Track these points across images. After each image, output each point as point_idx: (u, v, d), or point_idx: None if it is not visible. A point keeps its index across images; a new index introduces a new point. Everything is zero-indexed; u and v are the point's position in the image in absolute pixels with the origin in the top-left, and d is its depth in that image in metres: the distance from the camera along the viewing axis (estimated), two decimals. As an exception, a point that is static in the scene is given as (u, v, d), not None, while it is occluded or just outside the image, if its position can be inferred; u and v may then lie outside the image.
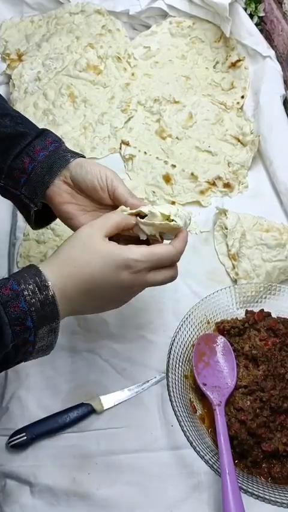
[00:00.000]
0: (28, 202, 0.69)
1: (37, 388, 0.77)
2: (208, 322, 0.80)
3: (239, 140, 1.05)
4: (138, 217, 0.63)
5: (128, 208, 0.65)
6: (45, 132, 0.71)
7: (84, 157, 0.71)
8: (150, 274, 0.62)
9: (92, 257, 0.59)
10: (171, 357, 0.74)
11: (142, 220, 0.63)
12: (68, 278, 0.59)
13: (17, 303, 0.55)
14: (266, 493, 0.64)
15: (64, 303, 0.58)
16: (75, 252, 0.60)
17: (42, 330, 0.57)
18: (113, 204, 0.68)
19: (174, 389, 0.71)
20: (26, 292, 0.55)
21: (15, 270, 0.87)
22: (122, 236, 0.65)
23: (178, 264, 0.65)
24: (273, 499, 0.63)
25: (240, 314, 0.81)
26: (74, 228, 0.69)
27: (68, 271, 0.59)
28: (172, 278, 0.65)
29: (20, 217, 0.93)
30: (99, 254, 0.60)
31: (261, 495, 0.63)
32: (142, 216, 0.64)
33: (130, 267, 0.60)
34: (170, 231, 0.64)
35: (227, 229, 0.92)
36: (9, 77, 1.15)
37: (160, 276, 0.63)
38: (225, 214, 0.93)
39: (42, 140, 0.69)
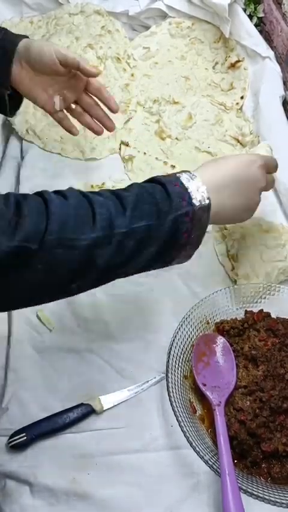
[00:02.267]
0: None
1: (37, 388, 0.77)
2: (208, 323, 0.80)
3: (238, 141, 1.06)
4: None
5: None
6: None
7: (27, 37, 0.83)
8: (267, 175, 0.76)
9: (229, 158, 0.74)
10: (171, 357, 0.74)
11: None
12: (214, 172, 0.70)
13: (177, 182, 0.66)
14: (265, 493, 0.64)
15: (212, 195, 0.67)
16: (213, 161, 0.74)
17: (197, 214, 0.65)
18: (66, 71, 0.82)
19: (174, 390, 0.71)
20: (182, 179, 0.66)
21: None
22: None
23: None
24: (273, 499, 0.63)
25: (240, 314, 0.82)
26: (41, 103, 0.86)
27: (213, 169, 0.71)
28: (273, 182, 0.80)
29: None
30: (233, 156, 0.75)
31: (261, 495, 0.63)
32: None
33: (256, 161, 0.73)
34: None
35: (226, 229, 0.92)
36: (8, 77, 1.15)
37: (270, 177, 0.78)
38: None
39: None
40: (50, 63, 0.80)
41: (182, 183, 0.65)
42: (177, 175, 0.67)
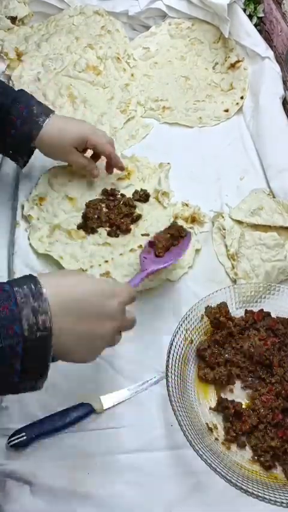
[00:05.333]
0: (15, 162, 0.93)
1: (37, 388, 0.77)
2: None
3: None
4: None
5: None
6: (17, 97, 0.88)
7: (53, 112, 0.90)
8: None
9: (86, 280, 0.62)
10: (171, 356, 0.74)
11: None
12: (62, 290, 0.57)
13: (6, 303, 0.52)
14: (266, 493, 0.64)
15: (54, 320, 0.54)
16: (71, 274, 0.65)
17: (31, 342, 0.52)
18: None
19: (174, 390, 0.71)
20: (18, 295, 0.53)
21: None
22: None
23: None
24: (273, 499, 0.63)
25: (240, 314, 0.81)
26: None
27: (63, 285, 0.58)
28: (132, 323, 0.68)
29: (18, 231, 0.93)
30: (93, 279, 0.64)
31: (261, 495, 0.63)
32: None
33: (118, 296, 0.63)
34: None
35: (225, 230, 0.92)
36: (9, 77, 1.15)
37: (130, 317, 0.67)
38: (223, 217, 0.93)
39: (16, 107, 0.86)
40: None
41: (15, 304, 0.52)
42: (15, 288, 0.53)
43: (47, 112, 0.89)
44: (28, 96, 0.90)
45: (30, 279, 0.55)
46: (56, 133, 0.89)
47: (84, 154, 0.95)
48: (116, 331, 0.64)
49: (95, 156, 0.97)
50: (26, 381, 0.55)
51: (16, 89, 0.92)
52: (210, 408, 0.74)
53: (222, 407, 0.73)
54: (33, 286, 0.54)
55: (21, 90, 0.91)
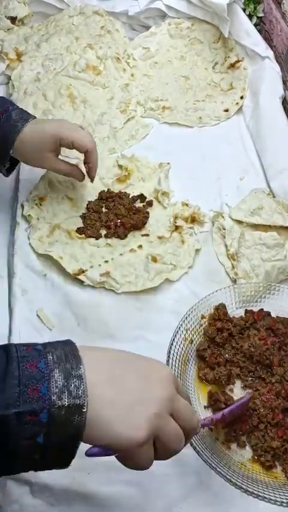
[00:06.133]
0: None
1: (37, 388, 0.77)
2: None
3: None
4: None
5: None
6: None
7: (34, 117, 0.87)
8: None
9: (134, 357, 0.54)
10: (171, 356, 0.74)
11: None
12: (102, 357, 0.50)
13: (35, 362, 0.45)
14: (266, 492, 0.64)
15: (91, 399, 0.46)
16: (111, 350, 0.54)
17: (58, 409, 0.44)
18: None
19: (174, 389, 0.71)
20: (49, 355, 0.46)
21: (14, 283, 0.87)
22: None
23: None
24: (273, 498, 0.63)
25: (240, 314, 0.81)
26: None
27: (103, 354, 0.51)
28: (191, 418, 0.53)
29: (18, 231, 0.93)
30: (139, 356, 0.55)
31: (261, 494, 0.63)
32: None
33: (167, 371, 0.54)
34: None
35: (225, 229, 0.92)
36: (8, 77, 1.15)
37: (187, 409, 0.52)
38: (223, 217, 0.93)
39: None
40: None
41: (45, 365, 0.45)
42: (46, 349, 0.47)
43: (26, 117, 0.86)
44: (8, 102, 0.88)
45: (65, 343, 0.49)
46: (29, 138, 0.84)
47: (72, 162, 0.92)
48: (165, 410, 0.50)
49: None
50: (48, 460, 0.46)
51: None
52: (204, 407, 0.74)
53: (213, 400, 0.73)
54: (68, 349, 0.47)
55: (1, 97, 0.90)
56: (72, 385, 0.45)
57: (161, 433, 0.49)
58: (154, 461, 0.64)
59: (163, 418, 0.49)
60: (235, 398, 0.74)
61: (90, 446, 0.48)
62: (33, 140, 0.85)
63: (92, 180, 0.93)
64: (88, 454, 0.48)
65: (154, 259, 0.88)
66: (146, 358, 0.53)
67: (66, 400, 0.44)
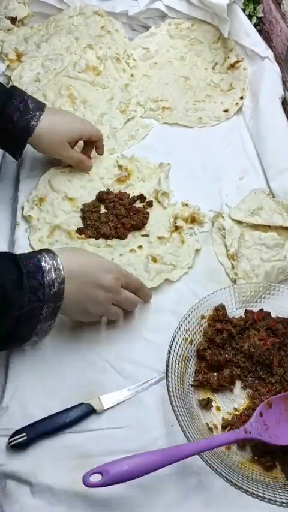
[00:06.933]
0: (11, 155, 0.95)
1: (37, 388, 0.77)
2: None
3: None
4: None
5: None
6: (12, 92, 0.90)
7: (45, 105, 0.93)
8: (124, 291, 0.78)
9: (93, 256, 0.78)
10: (171, 356, 0.74)
11: None
12: (72, 258, 0.73)
13: (37, 275, 0.68)
14: (266, 492, 0.64)
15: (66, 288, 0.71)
16: (79, 250, 0.82)
17: (48, 305, 0.69)
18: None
19: (174, 390, 0.71)
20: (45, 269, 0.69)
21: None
22: None
23: None
24: (273, 498, 0.63)
25: (240, 314, 0.82)
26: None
27: (74, 262, 0.73)
28: (132, 304, 0.81)
29: (18, 231, 0.93)
30: (97, 256, 0.79)
31: (261, 495, 0.63)
32: None
33: (114, 272, 0.76)
34: None
35: (225, 230, 0.92)
36: (8, 78, 1.15)
37: (130, 296, 0.79)
38: (222, 217, 0.93)
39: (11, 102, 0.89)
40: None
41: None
42: (43, 264, 0.69)
43: (41, 106, 0.92)
44: (22, 91, 0.92)
45: (52, 256, 0.71)
46: (50, 130, 0.91)
47: (75, 148, 0.98)
48: (109, 301, 0.77)
49: (87, 146, 1.01)
50: (46, 321, 0.70)
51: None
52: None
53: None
54: (54, 262, 0.70)
55: (13, 86, 0.93)
56: (56, 283, 0.70)
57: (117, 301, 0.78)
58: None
59: (106, 311, 0.79)
60: (235, 399, 0.74)
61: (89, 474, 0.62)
62: (47, 133, 0.91)
63: (102, 153, 1.02)
64: (88, 485, 0.62)
65: (154, 260, 0.88)
66: (99, 261, 0.77)
67: (52, 289, 0.69)
